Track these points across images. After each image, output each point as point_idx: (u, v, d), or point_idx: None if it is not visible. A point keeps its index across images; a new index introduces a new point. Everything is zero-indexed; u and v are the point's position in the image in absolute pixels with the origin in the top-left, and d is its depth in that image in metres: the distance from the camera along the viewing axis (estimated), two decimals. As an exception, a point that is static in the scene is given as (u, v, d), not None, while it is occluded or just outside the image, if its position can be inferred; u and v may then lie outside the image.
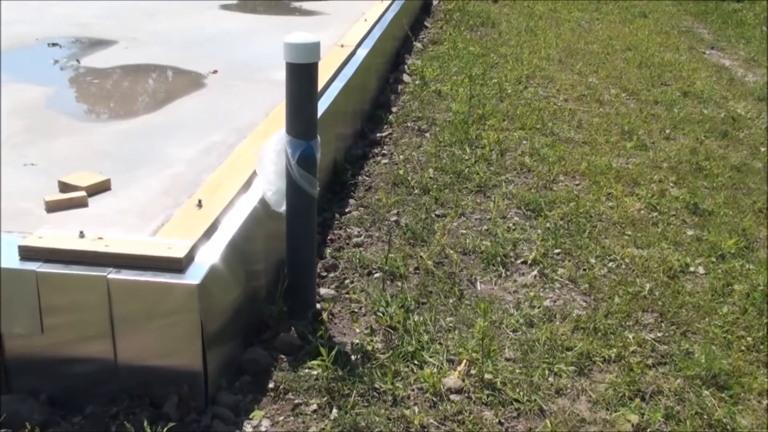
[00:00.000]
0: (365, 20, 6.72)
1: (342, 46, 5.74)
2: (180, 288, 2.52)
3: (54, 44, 5.63)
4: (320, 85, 4.64)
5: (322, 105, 4.45)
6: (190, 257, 2.62)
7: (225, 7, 7.50)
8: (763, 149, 5.56)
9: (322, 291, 3.50)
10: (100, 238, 2.64)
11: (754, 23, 10.31)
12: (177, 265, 2.56)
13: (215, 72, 5.07)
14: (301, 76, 2.97)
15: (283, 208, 3.13)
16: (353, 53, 5.64)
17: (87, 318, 2.58)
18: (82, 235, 2.66)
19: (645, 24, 9.98)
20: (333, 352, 2.77)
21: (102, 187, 3.18)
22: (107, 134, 3.95)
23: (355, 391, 2.74)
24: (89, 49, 5.62)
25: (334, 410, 2.65)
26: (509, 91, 6.53)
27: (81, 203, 3.02)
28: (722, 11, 11.18)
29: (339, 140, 4.87)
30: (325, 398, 2.71)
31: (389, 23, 7.06)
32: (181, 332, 2.57)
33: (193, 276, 2.55)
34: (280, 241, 3.22)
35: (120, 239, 2.67)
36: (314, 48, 2.96)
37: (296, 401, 2.71)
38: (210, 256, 2.69)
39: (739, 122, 6.10)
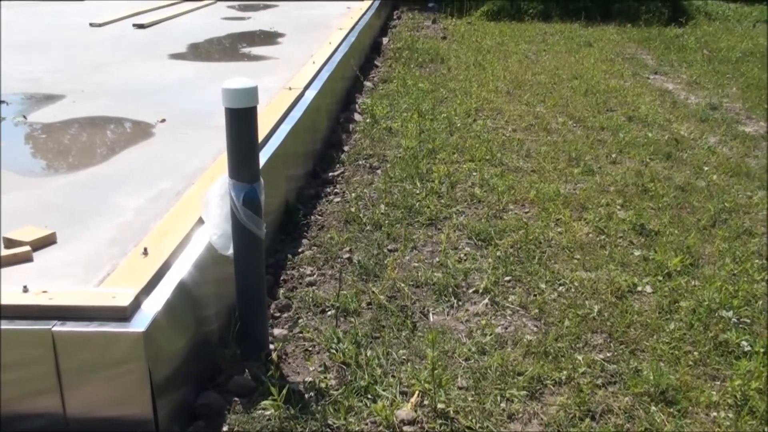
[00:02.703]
0: (313, 62, 6.82)
1: (290, 88, 5.82)
2: (125, 337, 2.53)
3: (2, 101, 5.62)
4: (268, 128, 4.73)
5: (270, 148, 4.51)
6: (135, 305, 2.63)
7: (173, 56, 7.55)
8: (706, 168, 5.70)
9: (276, 331, 3.52)
10: (44, 292, 2.65)
11: (696, 47, 10.61)
12: (122, 314, 2.57)
13: (163, 120, 5.10)
14: (241, 121, 3.01)
15: (230, 252, 3.15)
16: (301, 95, 5.72)
17: (34, 373, 2.56)
18: (25, 289, 2.66)
19: (590, 53, 10.22)
20: (285, 391, 2.79)
21: (47, 241, 3.18)
22: (55, 188, 3.95)
23: (308, 429, 2.75)
24: (37, 105, 5.62)
25: (287, 450, 2.66)
26: (458, 125, 6.64)
27: (26, 258, 3.02)
28: (665, 37, 11.49)
29: (290, 181, 4.92)
30: (277, 438, 2.72)
31: (337, 64, 7.17)
32: (129, 381, 2.57)
33: (139, 324, 2.56)
34: (231, 285, 3.24)
35: (64, 291, 2.67)
36: (252, 93, 3.00)
37: (248, 443, 2.71)
38: (156, 303, 2.70)
39: (683, 143, 6.25)
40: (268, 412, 2.83)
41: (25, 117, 5.22)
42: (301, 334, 3.50)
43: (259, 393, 3.00)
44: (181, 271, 2.95)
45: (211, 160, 4.25)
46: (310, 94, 5.85)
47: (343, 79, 7.61)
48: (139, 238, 3.24)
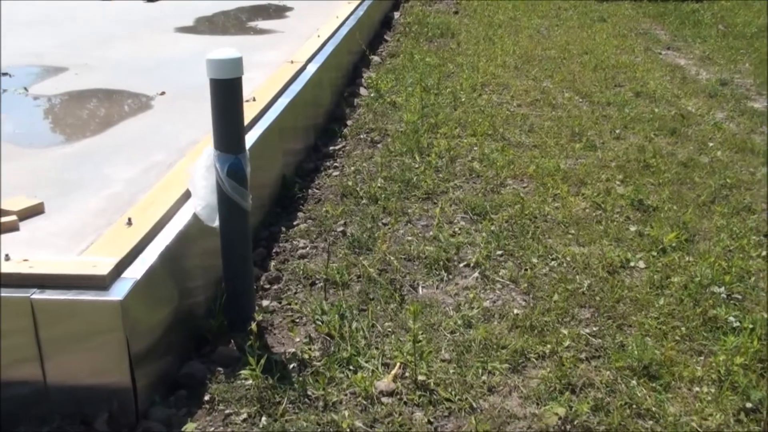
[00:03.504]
0: (318, 36, 6.79)
1: (292, 62, 5.80)
2: (103, 305, 2.55)
3: (4, 74, 5.65)
4: (265, 101, 4.73)
5: (266, 121, 4.51)
6: (114, 274, 2.65)
7: (180, 29, 7.56)
8: (710, 144, 5.63)
9: (265, 303, 3.54)
10: (26, 260, 2.67)
11: (711, 22, 10.45)
12: (101, 283, 2.59)
13: (163, 93, 5.11)
14: (225, 92, 3.02)
15: (216, 223, 3.16)
16: (303, 69, 5.70)
17: (15, 341, 2.59)
18: (7, 258, 2.69)
19: (603, 28, 10.09)
20: (263, 361, 2.80)
21: (35, 211, 3.20)
22: (49, 159, 3.98)
23: (286, 399, 2.77)
24: (39, 77, 5.65)
25: (264, 418, 2.68)
26: (463, 99, 6.60)
27: (12, 227, 3.05)
28: (680, 12, 11.32)
29: (288, 155, 4.92)
30: (255, 407, 2.74)
31: (343, 38, 7.14)
32: (107, 350, 2.59)
33: (117, 293, 2.58)
34: (219, 257, 3.25)
35: (45, 260, 2.70)
36: (236, 63, 3.01)
37: (227, 411, 2.74)
38: (137, 273, 2.71)
39: (689, 119, 6.18)
40: (248, 382, 2.85)
41: (26, 89, 5.25)
42: (289, 306, 3.51)
43: (242, 363, 3.02)
44: (164, 241, 2.96)
45: (206, 133, 4.24)
46: (312, 68, 5.83)
47: (350, 53, 7.58)
48: (126, 209, 3.26)
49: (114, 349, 2.58)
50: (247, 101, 4.71)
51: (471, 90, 6.92)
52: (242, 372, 2.87)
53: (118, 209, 3.28)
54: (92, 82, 5.45)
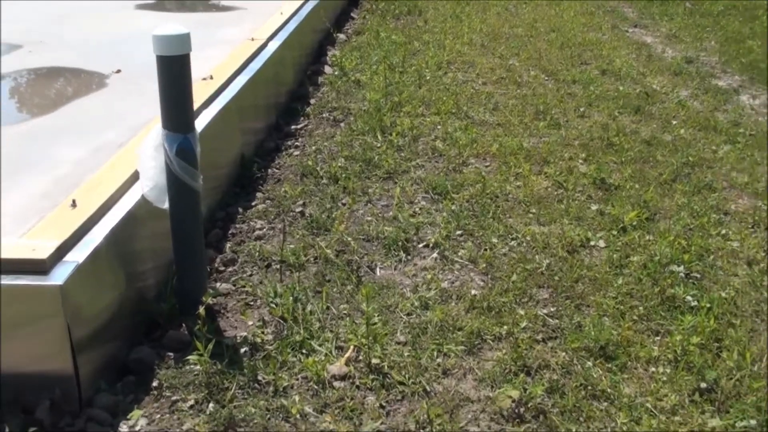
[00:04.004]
0: (281, 13, 6.66)
1: (252, 39, 5.69)
2: (43, 290, 2.46)
3: (-45, 51, 5.49)
4: (223, 79, 4.62)
5: (224, 99, 4.41)
6: (56, 258, 2.56)
7: (141, 6, 7.39)
8: (674, 122, 5.62)
9: (219, 285, 3.46)
10: (-38, 244, 2.57)
11: (679, 0, 10.44)
12: (41, 267, 2.51)
13: (118, 71, 4.98)
14: (173, 69, 2.92)
15: (166, 205, 3.08)
16: (263, 46, 5.59)
17: (-48, 326, 2.51)
18: (-57, 241, 2.59)
19: (571, 6, 10.04)
20: (211, 346, 2.74)
21: (-24, 193, 3.10)
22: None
23: (235, 384, 2.71)
24: (-9, 55, 5.49)
25: (211, 405, 2.62)
26: (428, 78, 6.53)
27: (-49, 210, 2.94)
28: (649, -11, 11.29)
29: (247, 134, 4.82)
30: (203, 393, 2.67)
31: (307, 16, 7.01)
32: (48, 336, 2.51)
33: (57, 277, 2.49)
34: (170, 239, 3.17)
35: (-18, 244, 2.60)
36: (184, 39, 2.90)
37: (174, 398, 2.67)
38: (79, 256, 2.63)
39: (653, 97, 6.16)
40: (196, 368, 2.78)
41: (-24, 67, 5.10)
42: (243, 289, 3.44)
43: (193, 348, 2.94)
44: (110, 223, 2.87)
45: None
46: (274, 46, 5.72)
47: (314, 32, 7.46)
48: (73, 191, 3.16)
49: (55, 335, 2.50)
50: (204, 79, 4.63)
51: (436, 68, 6.84)
52: (190, 357, 2.80)
53: (64, 191, 3.17)
54: (46, 60, 5.30)
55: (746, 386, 2.80)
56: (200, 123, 3.98)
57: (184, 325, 3.11)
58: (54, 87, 4.84)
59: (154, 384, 2.79)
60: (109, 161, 3.42)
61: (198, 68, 4.70)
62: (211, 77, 4.63)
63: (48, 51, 5.57)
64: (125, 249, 2.95)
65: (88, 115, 4.22)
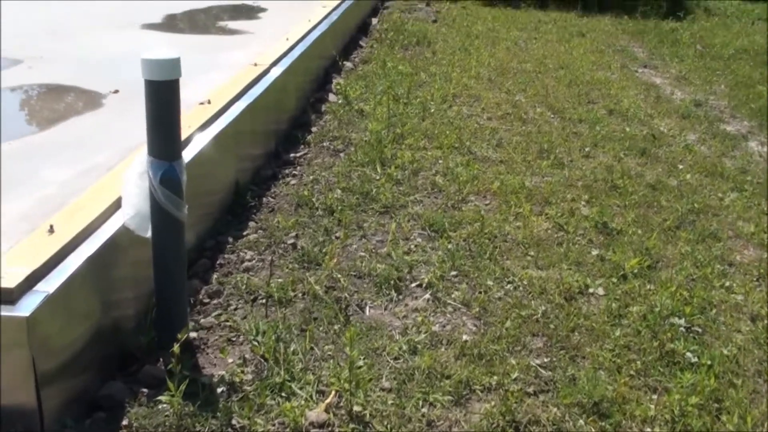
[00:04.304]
0: (287, 39, 6.60)
1: (255, 65, 5.61)
2: (8, 321, 2.34)
3: (-46, 64, 5.42)
4: (221, 104, 4.54)
5: (220, 125, 4.32)
6: (25, 287, 2.44)
7: (146, 26, 7.34)
8: (680, 166, 5.51)
9: (203, 320, 3.34)
10: (-71, 268, 2.46)
11: (690, 42, 10.38)
12: (8, 297, 2.39)
13: (116, 92, 4.90)
14: (160, 94, 2.82)
15: (149, 234, 2.97)
16: (266, 72, 5.51)
17: None
18: None
19: (581, 43, 9.99)
20: (183, 387, 2.60)
21: (-47, 213, 2.99)
22: (-16, 157, 3.76)
23: (207, 428, 2.57)
24: (-10, 69, 5.42)
25: (179, 449, 2.48)
26: (432, 110, 6.44)
27: (-76, 230, 2.83)
28: (660, 30, 11.25)
29: (243, 161, 4.72)
30: (173, 436, 2.54)
31: (314, 43, 6.96)
32: (11, 368, 2.38)
33: (24, 308, 2.37)
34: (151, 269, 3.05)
35: (-50, 269, 2.48)
36: (173, 64, 2.81)
37: (141, 440, 2.54)
38: (51, 286, 2.51)
39: (660, 140, 6.05)
40: (168, 408, 2.65)
41: (-27, 81, 5.03)
42: (227, 323, 3.31)
43: (172, 384, 2.82)
44: (88, 251, 2.76)
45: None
46: (276, 72, 5.64)
47: (321, 58, 7.39)
48: (54, 213, 3.05)
49: (18, 368, 2.38)
50: (201, 104, 4.54)
51: (441, 101, 6.76)
52: (161, 397, 2.67)
53: (46, 214, 3.07)
54: (45, 77, 5.24)
55: (746, 453, 2.66)
56: (194, 148, 3.89)
57: (161, 359, 2.98)
58: (49, 104, 4.75)
59: (124, 423, 2.65)
60: (94, 185, 3.31)
61: (199, 92, 4.67)
62: (209, 102, 4.55)
63: (47, 67, 5.50)
64: (103, 278, 2.83)
65: (80, 135, 4.13)
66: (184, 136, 3.96)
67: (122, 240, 2.96)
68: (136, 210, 2.91)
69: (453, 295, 3.61)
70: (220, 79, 5.15)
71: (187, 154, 3.81)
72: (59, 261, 2.65)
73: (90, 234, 2.88)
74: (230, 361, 3.04)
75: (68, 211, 3.00)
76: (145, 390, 2.82)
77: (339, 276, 3.66)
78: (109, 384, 2.84)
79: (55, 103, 4.81)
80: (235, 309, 3.45)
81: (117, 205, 3.09)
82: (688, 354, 3.18)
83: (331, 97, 6.87)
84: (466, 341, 3.22)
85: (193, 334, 3.22)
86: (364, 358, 3.06)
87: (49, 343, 2.47)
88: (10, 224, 2.97)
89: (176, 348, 2.61)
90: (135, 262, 3.08)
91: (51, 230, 2.80)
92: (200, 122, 4.16)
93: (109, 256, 2.87)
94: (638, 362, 3.16)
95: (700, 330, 3.44)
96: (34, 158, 3.74)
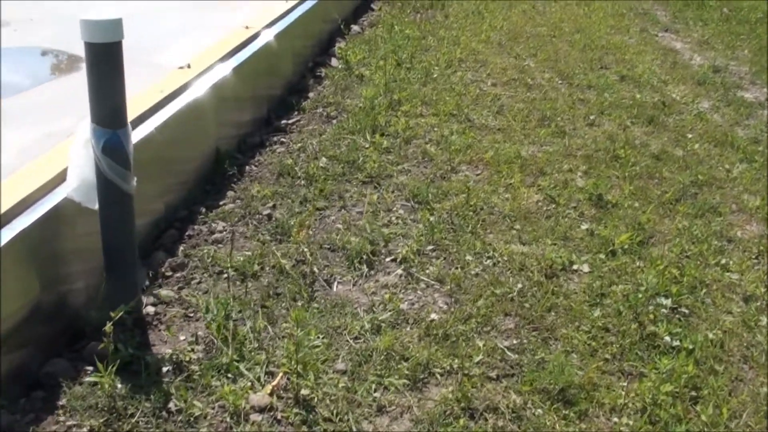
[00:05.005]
0: (286, 0, 6.39)
1: (247, 27, 5.42)
2: None
3: (-61, 27, 5.30)
4: (201, 68, 4.37)
5: (197, 90, 4.16)
6: (-55, 262, 2.32)
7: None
8: (689, 135, 5.24)
9: (163, 292, 3.21)
10: None
11: (716, 5, 9.94)
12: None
13: (98, 55, 4.74)
14: (101, 58, 2.67)
15: (97, 205, 2.82)
16: (256, 35, 5.32)
17: None
18: None
19: (602, 6, 9.61)
20: (114, 367, 2.47)
21: None
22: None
23: (140, 411, 2.45)
24: (-25, 32, 5.29)
25: (106, 434, 2.36)
26: (435, 76, 6.21)
27: None
28: (686, -8, 10.81)
29: (225, 127, 4.55)
30: (102, 419, 2.41)
31: (315, 5, 6.73)
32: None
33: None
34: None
35: None
36: (115, 26, 2.66)
37: (69, 422, 2.41)
38: (-23, 259, 2.39)
39: (671, 107, 5.77)
40: (100, 389, 2.52)
41: (-47, 44, 4.90)
42: (187, 298, 3.18)
43: (113, 362, 2.69)
44: (24, 222, 2.63)
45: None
46: (269, 35, 5.44)
47: (324, 22, 7.16)
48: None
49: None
50: (181, 68, 4.38)
51: (446, 66, 6.51)
52: (90, 378, 2.54)
53: (-6, 182, 2.94)
54: (29, 39, 5.09)
55: (719, 447, 2.48)
56: (163, 115, 3.74)
57: (113, 335, 2.85)
58: (29, 67, 4.61)
59: (61, 402, 2.54)
60: (49, 152, 3.17)
61: (185, 55, 4.51)
62: (189, 66, 4.38)
63: (34, 29, 5.36)
64: (43, 252, 2.70)
65: (50, 99, 3.99)
66: (155, 101, 3.85)
67: (67, 211, 2.82)
68: (80, 180, 2.77)
69: (427, 271, 3.43)
70: (209, 42, 4.97)
71: (155, 122, 3.68)
72: (-8, 233, 2.53)
73: (31, 204, 2.74)
74: (182, 338, 2.91)
75: (14, 180, 2.86)
76: (89, 368, 2.70)
77: (310, 249, 3.50)
78: (52, 362, 2.72)
79: (33, 66, 4.67)
80: (199, 283, 3.32)
81: (64, 175, 2.95)
82: (667, 338, 2.98)
83: (334, 61, 6.66)
84: (432, 320, 3.06)
85: (150, 309, 3.10)
86: (322, 337, 2.91)
87: (-29, 320, 2.34)
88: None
89: (108, 327, 2.47)
90: (84, 233, 2.94)
91: (-12, 200, 2.67)
92: (173, 87, 4.00)
93: (51, 229, 2.74)
94: (615, 345, 2.98)
95: (686, 311, 3.24)
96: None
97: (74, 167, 2.79)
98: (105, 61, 2.67)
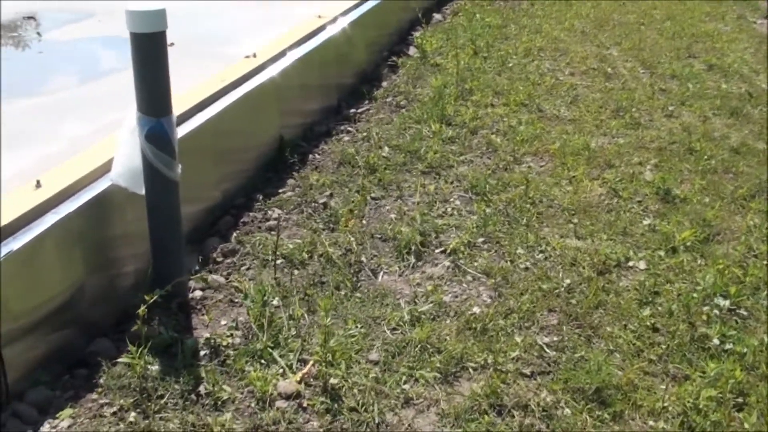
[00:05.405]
0: (362, -9, 6.39)
1: (319, 16, 5.46)
2: (-35, 277, 2.33)
3: (29, 17, 5.55)
4: (267, 57, 4.43)
5: (260, 78, 4.21)
6: (-8, 243, 2.43)
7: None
8: (774, 128, 4.99)
9: (211, 277, 3.27)
10: None
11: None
12: (-30, 252, 2.38)
13: (171, 45, 4.86)
14: (146, 47, 2.75)
15: (143, 191, 2.91)
16: (326, 24, 5.34)
17: None
18: None
19: (698, -9, 9.24)
20: (143, 349, 2.53)
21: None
22: (17, 110, 3.79)
23: (169, 392, 2.50)
24: (62, 23, 5.51)
25: (133, 414, 2.41)
26: (511, 65, 6.10)
27: None
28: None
29: (291, 115, 4.60)
30: (132, 399, 2.48)
31: (394, -6, 6.71)
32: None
33: (-13, 261, 2.35)
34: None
35: (-77, 222, 2.50)
36: (159, 15, 2.73)
37: (102, 401, 2.49)
38: (20, 242, 2.48)
39: (758, 98, 5.50)
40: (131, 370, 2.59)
41: (39, 35, 5.13)
42: (234, 284, 3.23)
43: (154, 345, 2.77)
44: (70, 207, 2.72)
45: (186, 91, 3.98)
46: (342, 24, 5.46)
47: (402, 10, 7.13)
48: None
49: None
50: (247, 57, 4.45)
51: (524, 54, 6.39)
52: (121, 359, 2.61)
53: (46, 170, 3.05)
54: (109, 30, 5.27)
55: (760, 458, 2.35)
56: (223, 103, 3.81)
57: (157, 318, 2.94)
58: (102, 57, 4.78)
59: (102, 380, 2.62)
60: (101, 141, 3.27)
61: (259, 47, 4.58)
62: (254, 55, 4.44)
63: (114, 20, 5.53)
64: (90, 235, 2.80)
65: (113, 90, 4.11)
66: (215, 89, 3.92)
67: (115, 197, 2.91)
68: (126, 167, 2.85)
69: (475, 264, 3.39)
70: (280, 32, 5.03)
71: (213, 110, 3.75)
72: (39, 216, 2.63)
73: (80, 189, 2.84)
74: (223, 323, 2.96)
75: (63, 168, 2.97)
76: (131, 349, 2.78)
77: (361, 238, 3.50)
78: (98, 341, 2.82)
79: (106, 56, 4.84)
80: (248, 269, 3.37)
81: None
82: (715, 341, 2.84)
83: (411, 50, 6.63)
84: (474, 314, 3.01)
85: (197, 293, 3.16)
86: (360, 327, 2.91)
87: (15, 295, 2.44)
88: (6, 180, 2.97)
89: (142, 310, 2.54)
90: (134, 219, 3.03)
91: (38, 185, 2.78)
92: (236, 76, 4.07)
93: (98, 213, 2.83)
94: (662, 346, 2.87)
95: (745, 313, 3.08)
96: (60, 111, 3.75)
97: (121, 154, 2.87)
98: (149, 50, 2.74)
